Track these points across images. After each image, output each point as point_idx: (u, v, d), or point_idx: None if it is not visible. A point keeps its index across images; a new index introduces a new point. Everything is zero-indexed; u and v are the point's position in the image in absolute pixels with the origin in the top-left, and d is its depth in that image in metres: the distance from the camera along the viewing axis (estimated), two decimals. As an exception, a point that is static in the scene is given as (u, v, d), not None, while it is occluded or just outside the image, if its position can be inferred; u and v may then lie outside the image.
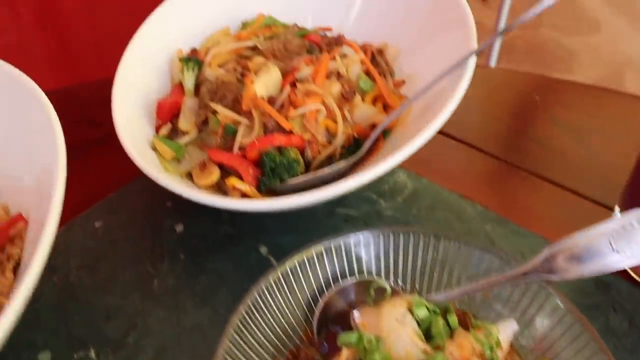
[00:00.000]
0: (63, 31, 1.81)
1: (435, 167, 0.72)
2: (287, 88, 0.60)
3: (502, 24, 1.51)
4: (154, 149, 0.63)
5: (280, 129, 0.58)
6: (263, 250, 0.61)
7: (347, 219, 0.65)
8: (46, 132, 0.49)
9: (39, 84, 0.54)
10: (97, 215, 0.65)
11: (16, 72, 0.53)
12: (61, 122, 0.54)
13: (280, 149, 0.57)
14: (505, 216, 0.65)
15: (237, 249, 0.61)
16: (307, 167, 0.60)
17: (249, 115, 0.59)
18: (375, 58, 0.68)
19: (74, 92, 0.88)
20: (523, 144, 0.77)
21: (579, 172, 0.72)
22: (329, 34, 0.73)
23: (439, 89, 0.58)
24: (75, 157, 0.73)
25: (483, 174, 0.74)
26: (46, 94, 0.78)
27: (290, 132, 0.58)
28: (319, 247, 0.50)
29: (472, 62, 0.56)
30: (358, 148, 0.61)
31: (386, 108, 0.64)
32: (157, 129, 0.65)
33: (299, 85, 0.59)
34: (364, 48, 0.69)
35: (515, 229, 0.63)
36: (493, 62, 1.55)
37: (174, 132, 0.64)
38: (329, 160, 0.61)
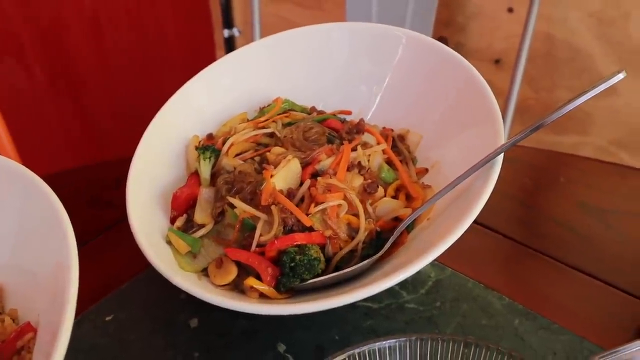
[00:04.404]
0: (78, 95, 1.85)
1: (458, 254, 0.69)
2: (308, 182, 0.58)
3: (517, 86, 1.50)
4: (169, 242, 0.61)
5: (300, 224, 0.56)
6: (281, 348, 0.58)
7: (368, 312, 0.62)
8: (58, 233, 0.48)
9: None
10: (107, 308, 0.63)
11: (25, 170, 0.52)
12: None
13: (300, 246, 0.55)
14: (533, 309, 0.62)
15: (254, 347, 0.59)
16: (327, 262, 0.58)
17: (267, 210, 0.57)
18: (397, 144, 0.67)
19: (91, 172, 0.87)
20: (549, 228, 0.75)
21: (608, 258, 0.69)
22: (348, 117, 0.72)
23: (464, 183, 0.56)
24: (88, 244, 0.71)
25: (508, 262, 0.71)
26: (64, 174, 0.77)
27: (311, 229, 0.56)
28: (342, 357, 0.48)
29: (500, 159, 0.55)
30: (380, 242, 0.58)
31: (409, 198, 0.62)
32: (172, 220, 0.63)
33: (319, 179, 0.58)
34: (385, 133, 0.67)
35: (544, 324, 0.60)
36: (507, 124, 1.54)
37: (189, 224, 0.62)
38: (350, 252, 0.58)
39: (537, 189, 0.84)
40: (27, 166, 0.55)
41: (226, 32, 2.01)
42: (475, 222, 0.72)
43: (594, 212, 0.77)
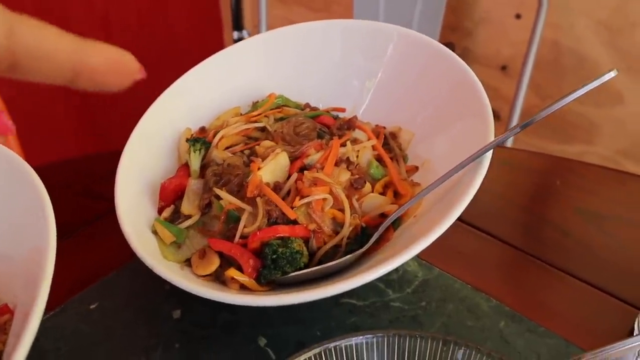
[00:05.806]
0: (85, 95, 1.86)
1: (447, 254, 0.68)
2: (294, 175, 0.58)
3: (522, 93, 1.49)
4: (155, 232, 0.61)
5: (284, 217, 0.56)
6: (261, 342, 0.58)
7: (353, 309, 0.61)
8: (38, 216, 0.48)
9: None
10: (92, 296, 0.63)
11: (5, 150, 0.53)
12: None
13: (283, 239, 0.55)
14: (521, 312, 0.61)
15: (235, 340, 0.58)
16: (311, 256, 0.57)
17: (253, 202, 0.56)
18: (388, 142, 0.66)
19: (85, 163, 0.88)
20: (543, 231, 0.74)
21: (603, 264, 0.68)
22: (342, 114, 0.71)
23: (452, 180, 0.56)
24: (76, 233, 0.71)
25: (498, 264, 0.70)
26: (57, 165, 0.77)
27: (295, 222, 0.56)
28: (317, 350, 0.47)
29: (489, 155, 0.54)
30: (365, 237, 0.58)
31: (397, 195, 0.62)
32: (160, 211, 0.63)
33: (306, 173, 0.57)
34: (377, 131, 0.67)
35: (531, 327, 0.59)
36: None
37: (176, 215, 0.62)
38: (334, 248, 0.58)
39: (534, 192, 0.84)
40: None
41: (236, 34, 2.02)
42: (470, 224, 0.72)
43: (591, 217, 0.76)
